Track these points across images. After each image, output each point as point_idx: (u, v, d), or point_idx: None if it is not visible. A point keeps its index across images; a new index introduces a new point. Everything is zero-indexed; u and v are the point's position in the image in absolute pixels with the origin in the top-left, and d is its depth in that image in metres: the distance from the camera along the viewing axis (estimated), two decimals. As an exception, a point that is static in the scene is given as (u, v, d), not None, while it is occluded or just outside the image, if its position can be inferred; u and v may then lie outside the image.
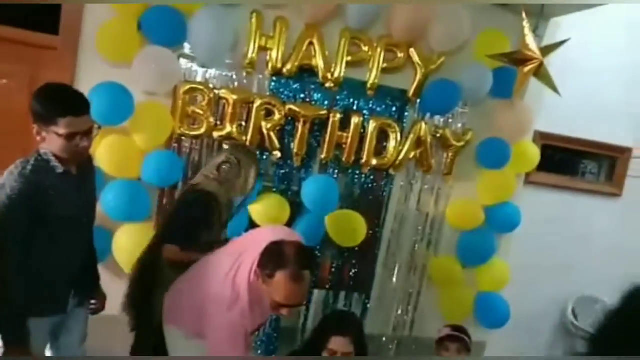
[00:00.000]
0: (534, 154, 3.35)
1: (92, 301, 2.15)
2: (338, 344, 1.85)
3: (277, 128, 2.92)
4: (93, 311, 2.17)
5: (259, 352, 3.14)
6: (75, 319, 2.03)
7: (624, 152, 3.77)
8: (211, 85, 2.81)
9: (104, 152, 2.62)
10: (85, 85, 2.51)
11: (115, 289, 2.28)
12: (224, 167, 2.34)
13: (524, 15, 2.68)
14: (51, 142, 1.73)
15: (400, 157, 3.12)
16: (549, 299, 3.79)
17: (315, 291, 3.25)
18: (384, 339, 3.45)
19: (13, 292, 1.69)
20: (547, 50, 2.81)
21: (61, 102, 1.71)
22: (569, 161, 3.80)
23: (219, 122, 2.86)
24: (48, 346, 2.01)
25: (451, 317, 3.33)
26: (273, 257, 1.71)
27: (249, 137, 2.88)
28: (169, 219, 2.37)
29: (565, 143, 3.65)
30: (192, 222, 2.23)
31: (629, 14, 3.52)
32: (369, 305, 3.35)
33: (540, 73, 2.79)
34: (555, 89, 2.81)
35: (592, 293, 3.81)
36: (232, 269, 1.80)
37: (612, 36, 3.54)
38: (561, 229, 3.69)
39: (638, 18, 3.55)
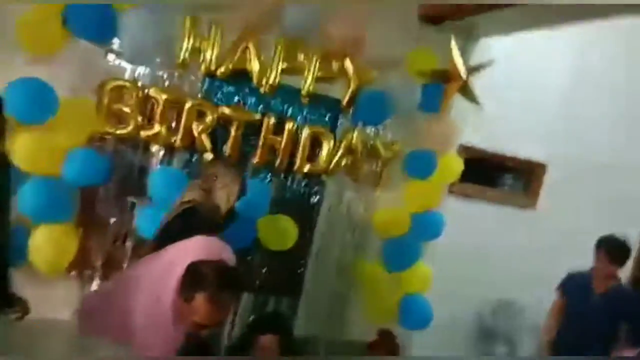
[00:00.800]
0: (458, 165, 3.52)
1: (15, 308, 2.03)
2: (266, 341, 1.89)
3: (208, 130, 2.88)
4: (19, 318, 2.05)
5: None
6: None
7: (539, 167, 4.05)
8: (140, 84, 2.73)
9: (21, 147, 2.47)
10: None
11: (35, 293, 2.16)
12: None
13: (452, 35, 2.81)
14: None
15: (333, 164, 3.17)
16: (469, 302, 3.99)
17: (245, 294, 3.24)
18: (314, 341, 3.49)
19: None
20: (473, 69, 2.97)
21: None
22: (489, 173, 4.02)
23: (147, 122, 2.78)
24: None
25: (376, 319, 3.44)
26: (192, 279, 1.69)
27: (178, 137, 2.82)
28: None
29: (484, 156, 3.86)
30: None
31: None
32: (298, 309, 3.38)
33: (465, 90, 2.95)
34: (478, 105, 2.98)
35: (509, 296, 4.05)
36: (157, 287, 1.77)
37: (538, 57, 3.79)
38: (481, 236, 3.90)
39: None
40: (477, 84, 3.03)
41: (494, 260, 3.98)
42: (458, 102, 3.23)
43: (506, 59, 3.17)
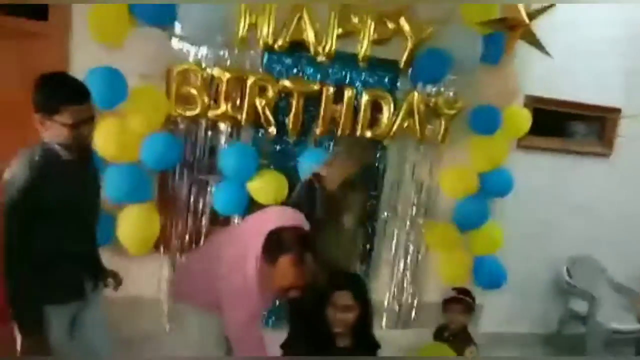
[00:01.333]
0: (525, 118, 3.40)
1: (109, 279, 2.17)
2: (339, 298, 1.92)
3: (272, 104, 2.95)
4: (115, 287, 2.19)
5: (269, 324, 3.23)
6: (92, 304, 2.04)
7: (613, 113, 3.83)
8: (203, 65, 2.82)
9: (101, 136, 2.64)
10: (78, 70, 2.50)
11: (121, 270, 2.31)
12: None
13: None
14: (55, 132, 1.74)
15: (394, 127, 3.16)
16: (543, 260, 3.88)
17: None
18: (387, 303, 3.55)
19: (28, 281, 1.72)
20: (534, 14, 2.84)
21: (64, 91, 1.72)
22: (558, 124, 3.85)
23: (213, 102, 2.88)
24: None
25: (450, 280, 3.43)
26: (274, 245, 1.80)
27: (243, 114, 2.91)
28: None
29: (554, 106, 3.69)
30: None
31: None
32: (369, 273, 3.44)
33: (529, 36, 2.83)
34: (544, 51, 2.85)
35: (585, 252, 3.92)
36: (239, 257, 1.88)
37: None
38: (553, 190, 3.77)
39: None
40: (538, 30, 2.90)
41: (568, 214, 3.84)
42: (520, 52, 3.12)
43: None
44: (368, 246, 3.40)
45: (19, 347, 1.77)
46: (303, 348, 2.01)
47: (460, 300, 2.60)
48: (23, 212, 1.70)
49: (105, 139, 2.65)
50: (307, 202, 2.46)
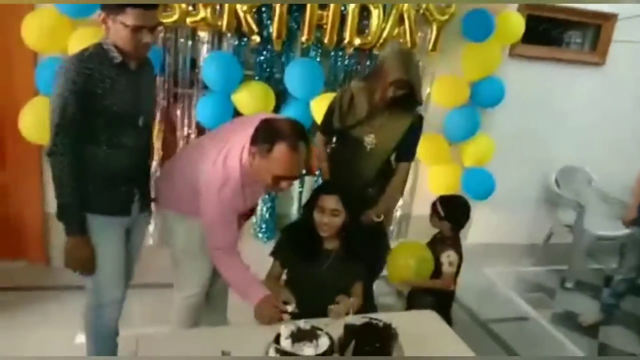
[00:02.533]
0: (519, 24, 3.28)
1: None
2: (326, 201, 1.92)
3: (254, 10, 2.79)
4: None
5: (260, 236, 3.25)
6: (138, 223, 2.01)
7: (609, 19, 3.70)
8: (180, -34, 2.64)
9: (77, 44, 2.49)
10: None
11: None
12: None
13: None
14: (116, 33, 1.65)
15: (384, 34, 3.03)
16: (533, 170, 3.90)
17: (307, 177, 3.30)
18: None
19: (71, 182, 1.69)
20: None
21: None
22: (553, 32, 3.74)
23: (191, 8, 2.72)
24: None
25: (439, 191, 3.43)
26: (268, 131, 1.73)
27: (224, 21, 2.76)
28: None
29: (549, 12, 3.56)
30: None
31: None
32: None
33: None
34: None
35: (574, 163, 3.93)
36: (221, 152, 1.82)
37: None
38: (545, 100, 3.72)
39: None
40: None
41: (559, 125, 3.82)
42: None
43: None
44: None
45: (64, 247, 1.79)
46: (290, 253, 2.00)
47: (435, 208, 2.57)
48: (67, 104, 1.63)
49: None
50: (339, 113, 2.34)
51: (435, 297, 2.40)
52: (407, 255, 2.38)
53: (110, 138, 1.76)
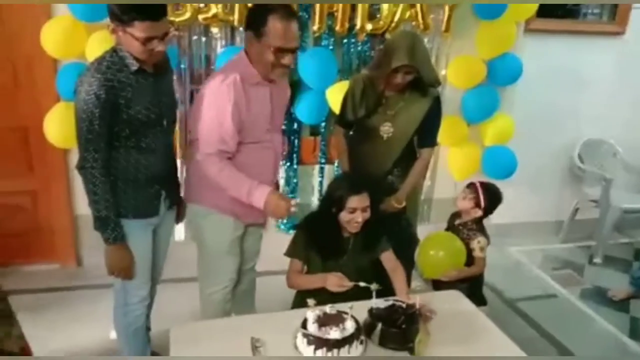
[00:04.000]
0: (533, -3, 3.22)
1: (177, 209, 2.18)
2: (357, 201, 1.88)
3: (264, 3, 2.80)
4: (177, 219, 2.21)
5: (281, 227, 3.29)
6: (165, 221, 2.07)
7: (628, -14, 3.60)
8: (189, -35, 2.67)
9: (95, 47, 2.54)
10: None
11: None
12: None
13: None
14: (127, 43, 1.68)
15: (396, 18, 3.01)
16: (555, 146, 3.84)
17: (326, 166, 3.32)
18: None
19: (105, 193, 1.75)
20: None
21: (141, 6, 1.62)
22: (568, 4, 3.64)
23: (202, 5, 2.75)
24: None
25: (460, 173, 3.43)
26: (259, 11, 1.82)
27: (235, 16, 2.77)
28: None
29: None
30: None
31: None
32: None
33: None
34: None
35: (597, 136, 3.86)
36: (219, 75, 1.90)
37: None
38: (564, 75, 3.64)
39: None
40: None
41: (579, 99, 3.75)
42: None
43: None
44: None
45: (105, 257, 1.85)
46: (309, 251, 1.99)
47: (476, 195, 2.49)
48: (90, 116, 1.66)
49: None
50: (351, 104, 2.35)
51: (465, 281, 2.30)
52: (438, 248, 2.24)
53: (138, 143, 1.80)
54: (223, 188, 1.91)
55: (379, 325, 1.56)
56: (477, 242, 2.32)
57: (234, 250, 2.15)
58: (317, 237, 1.98)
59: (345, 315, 1.51)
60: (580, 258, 3.67)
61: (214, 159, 1.88)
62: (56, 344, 2.44)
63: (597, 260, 3.60)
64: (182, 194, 2.18)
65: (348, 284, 1.78)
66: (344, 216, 1.91)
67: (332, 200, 1.94)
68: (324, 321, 1.47)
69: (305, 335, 1.44)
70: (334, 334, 1.43)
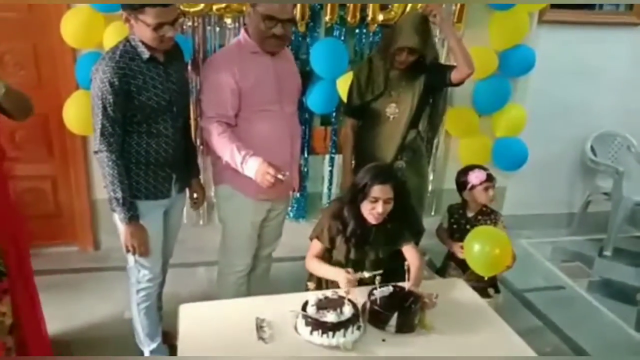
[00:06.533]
0: (546, -13, 3.20)
1: (194, 195, 2.28)
2: (379, 191, 1.89)
3: (277, -7, 2.84)
4: (194, 205, 2.32)
5: (291, 215, 3.35)
6: (176, 204, 2.16)
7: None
8: (202, -45, 2.71)
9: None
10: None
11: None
12: None
13: None
14: (139, 31, 1.77)
15: (407, 9, 3.02)
16: (567, 138, 3.82)
17: (336, 156, 3.36)
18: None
19: (120, 176, 1.84)
20: None
21: None
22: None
23: (217, -4, 2.80)
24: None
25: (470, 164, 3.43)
26: None
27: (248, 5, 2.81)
28: None
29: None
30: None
31: None
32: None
33: None
34: None
35: (610, 128, 3.82)
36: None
37: None
38: (578, 66, 3.60)
39: None
40: None
41: (595, 91, 3.71)
42: None
43: None
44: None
45: (121, 235, 1.95)
46: (334, 236, 1.99)
47: (490, 179, 2.46)
48: (105, 103, 1.76)
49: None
50: (357, 89, 2.42)
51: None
52: (492, 245, 2.04)
53: (150, 129, 1.89)
54: (221, 154, 2.01)
55: (395, 315, 1.59)
56: (501, 223, 2.36)
57: (252, 234, 2.24)
58: (341, 224, 1.99)
59: (344, 301, 1.57)
60: (590, 251, 3.66)
61: (215, 124, 1.99)
62: (73, 322, 2.55)
63: (607, 253, 3.60)
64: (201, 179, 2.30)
65: (356, 276, 1.80)
66: (365, 205, 1.92)
67: (357, 188, 1.95)
68: (323, 304, 1.52)
69: (304, 317, 1.50)
70: (330, 317, 1.48)
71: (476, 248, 2.02)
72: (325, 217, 2.06)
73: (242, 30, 2.08)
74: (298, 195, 3.33)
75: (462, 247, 2.20)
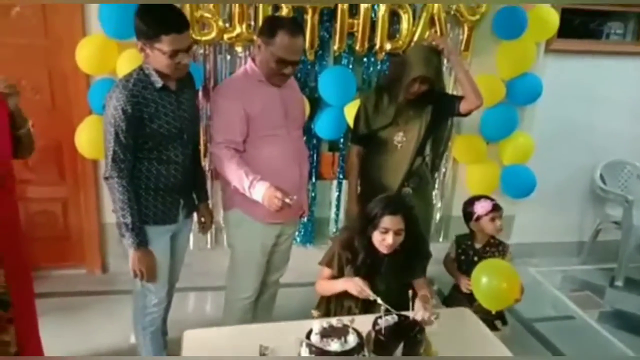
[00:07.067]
0: (553, 18, 3.23)
1: (202, 219, 2.30)
2: (390, 222, 1.89)
3: (287, 22, 2.90)
4: (202, 229, 2.34)
5: (298, 240, 3.35)
6: (183, 228, 2.18)
7: (652, 7, 3.58)
8: (215, -14, 2.79)
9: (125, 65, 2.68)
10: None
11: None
12: None
13: None
14: (154, 59, 1.81)
15: (415, 38, 3.07)
16: (576, 167, 3.81)
17: (344, 182, 3.37)
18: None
19: (130, 201, 1.86)
20: None
21: (165, 20, 1.76)
22: (590, 24, 3.64)
23: (227, 25, 2.87)
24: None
25: (479, 192, 3.42)
26: (272, 23, 2.05)
27: (259, 35, 2.88)
28: None
29: (585, 4, 3.47)
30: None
31: None
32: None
33: None
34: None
35: (619, 157, 3.81)
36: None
37: None
38: (585, 95, 3.62)
39: None
40: None
41: (602, 119, 3.71)
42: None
43: None
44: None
45: (130, 260, 1.96)
46: (344, 265, 1.97)
47: (497, 209, 2.44)
48: (118, 131, 1.79)
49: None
50: (364, 118, 2.46)
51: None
52: (500, 279, 2.01)
53: (160, 155, 1.92)
54: (229, 179, 2.04)
55: (401, 345, 1.55)
56: (510, 254, 2.35)
57: (261, 259, 2.25)
58: (351, 254, 1.97)
59: (349, 329, 1.55)
60: (600, 280, 3.61)
61: (224, 150, 2.02)
62: (79, 345, 2.55)
63: (619, 283, 3.54)
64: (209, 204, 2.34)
65: (368, 291, 1.80)
66: (376, 236, 1.92)
67: (368, 219, 1.94)
68: (326, 333, 1.51)
69: (308, 346, 1.49)
70: (334, 346, 1.47)
71: (484, 282, 1.99)
72: (335, 246, 2.05)
73: (250, 60, 2.14)
74: (305, 220, 3.34)
75: (469, 281, 2.18)
